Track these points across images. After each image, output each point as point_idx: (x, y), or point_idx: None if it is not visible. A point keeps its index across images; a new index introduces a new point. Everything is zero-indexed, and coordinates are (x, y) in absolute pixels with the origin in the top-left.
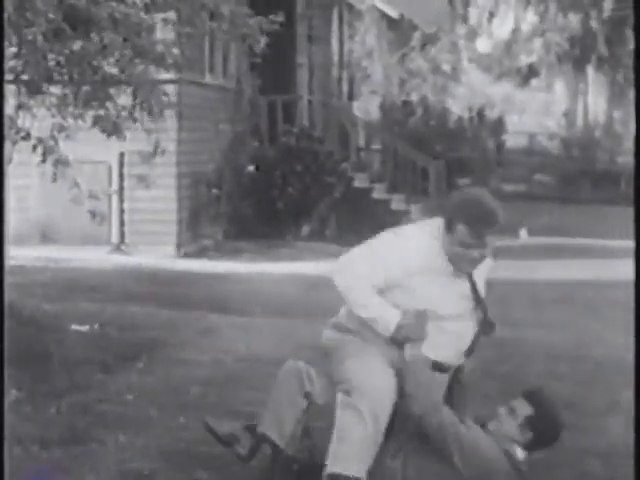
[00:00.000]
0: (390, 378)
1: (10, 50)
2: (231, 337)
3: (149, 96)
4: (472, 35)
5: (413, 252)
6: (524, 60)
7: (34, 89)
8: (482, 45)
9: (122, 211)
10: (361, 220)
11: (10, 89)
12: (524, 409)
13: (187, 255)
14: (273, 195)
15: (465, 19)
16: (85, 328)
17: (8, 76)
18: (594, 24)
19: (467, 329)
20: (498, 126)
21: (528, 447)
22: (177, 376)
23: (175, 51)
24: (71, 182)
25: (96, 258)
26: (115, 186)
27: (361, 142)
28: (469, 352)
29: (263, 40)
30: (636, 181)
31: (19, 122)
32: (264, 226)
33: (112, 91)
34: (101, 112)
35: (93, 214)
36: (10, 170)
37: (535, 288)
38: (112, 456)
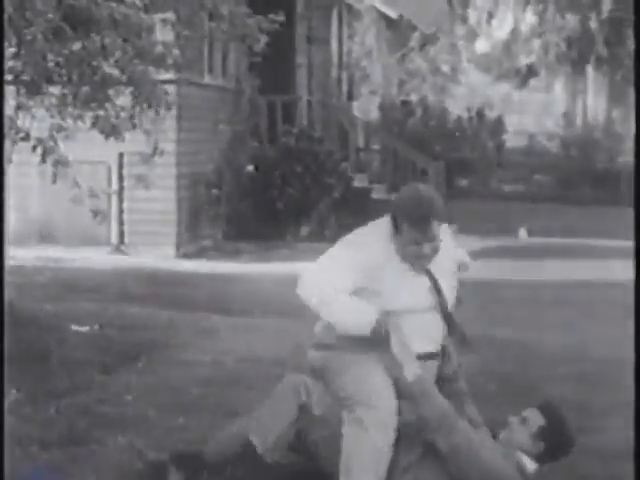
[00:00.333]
0: (390, 385)
1: (9, 50)
2: (231, 337)
3: (150, 96)
4: (471, 36)
5: (372, 254)
6: (523, 60)
7: (33, 90)
8: (481, 46)
9: (121, 211)
10: (361, 220)
11: (9, 90)
12: (537, 419)
13: (186, 255)
14: (272, 195)
15: (464, 20)
16: (85, 328)
17: (7, 77)
18: (593, 24)
19: (437, 320)
20: (497, 126)
21: (539, 459)
22: (177, 377)
23: (174, 51)
24: (71, 182)
25: (96, 258)
26: (114, 186)
27: (360, 142)
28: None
29: (263, 39)
30: (636, 181)
31: (19, 122)
32: (263, 226)
33: (111, 92)
34: (100, 113)
35: (95, 213)
36: (10, 170)
37: (535, 288)
38: (112, 457)
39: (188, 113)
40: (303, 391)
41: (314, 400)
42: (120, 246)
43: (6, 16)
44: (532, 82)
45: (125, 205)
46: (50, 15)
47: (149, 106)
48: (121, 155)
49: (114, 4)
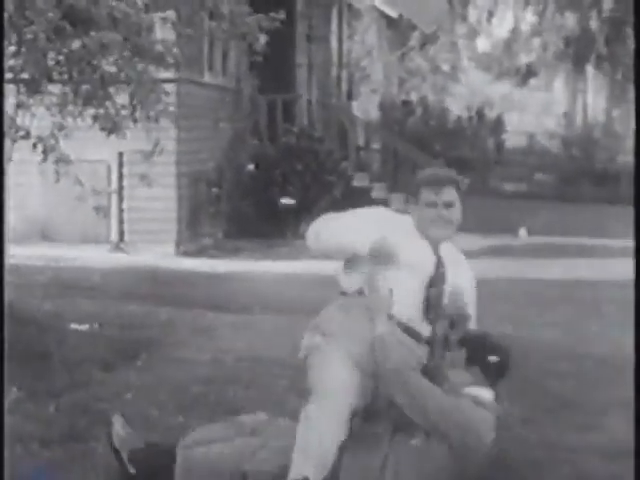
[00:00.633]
0: (351, 376)
1: (9, 49)
2: (231, 336)
3: (149, 95)
4: (471, 35)
5: (391, 217)
6: (523, 59)
7: (34, 88)
8: (481, 44)
9: (121, 210)
10: None
11: (9, 88)
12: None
13: (187, 254)
14: (273, 194)
15: (464, 18)
16: (85, 327)
17: (7, 75)
18: (593, 23)
19: (420, 285)
20: (497, 125)
21: (486, 379)
22: (177, 375)
23: (174, 50)
24: (74, 180)
25: (96, 257)
26: (114, 185)
27: (360, 141)
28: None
29: (263, 38)
30: (636, 180)
31: (18, 121)
32: (264, 225)
33: (111, 90)
34: (101, 111)
35: (97, 209)
36: (10, 169)
37: (535, 287)
38: (111, 454)
39: (188, 112)
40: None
41: None
42: (120, 244)
43: (6, 15)
44: (532, 81)
45: (125, 203)
46: (50, 14)
47: (142, 107)
48: (121, 154)
49: (114, 3)
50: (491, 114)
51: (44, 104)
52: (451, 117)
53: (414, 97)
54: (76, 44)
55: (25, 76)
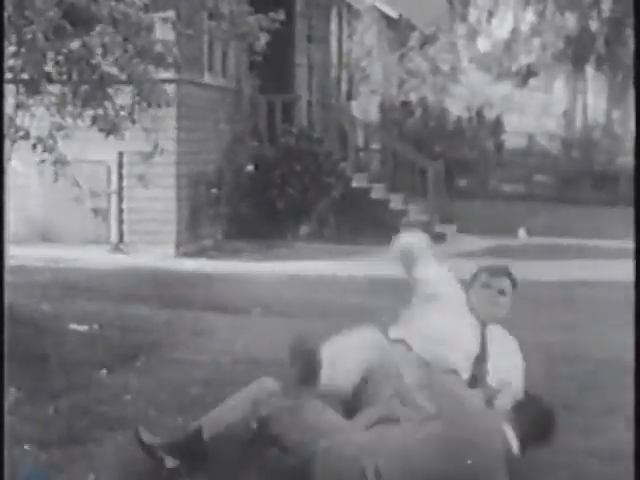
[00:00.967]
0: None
1: (9, 49)
2: (230, 337)
3: (150, 95)
4: (471, 35)
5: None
6: (523, 60)
7: (33, 88)
8: (481, 45)
9: (121, 211)
10: (360, 220)
11: (8, 88)
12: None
13: (186, 255)
14: (272, 195)
15: (464, 19)
16: (84, 328)
17: (7, 75)
18: (593, 24)
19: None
20: (497, 126)
21: (521, 436)
22: (176, 376)
23: (174, 50)
24: (72, 181)
25: (95, 258)
26: (114, 186)
27: (360, 142)
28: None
29: (263, 38)
30: (636, 181)
31: (18, 121)
32: (263, 226)
33: (111, 91)
34: (100, 111)
35: (95, 211)
36: (9, 169)
37: (534, 288)
38: (111, 456)
39: (188, 112)
40: (263, 405)
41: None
42: (119, 245)
43: (6, 15)
44: (532, 82)
45: (125, 204)
46: (50, 13)
47: (149, 105)
48: (120, 154)
49: (113, 2)
50: (491, 115)
51: (43, 104)
52: (451, 118)
53: (414, 98)
54: (75, 44)
55: (24, 76)
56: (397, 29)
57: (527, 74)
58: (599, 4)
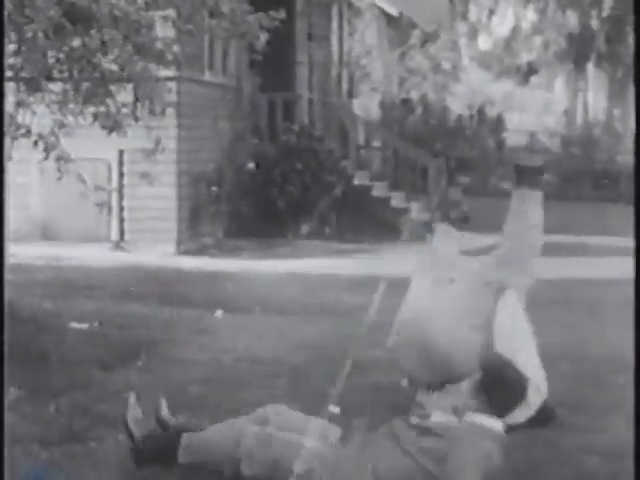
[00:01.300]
0: None
1: (9, 47)
2: (231, 336)
3: (150, 93)
4: (472, 33)
5: None
6: (524, 58)
7: (34, 86)
8: (482, 43)
9: (122, 208)
10: (361, 218)
11: (9, 86)
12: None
13: (187, 253)
14: (273, 193)
15: (465, 17)
16: (85, 326)
17: (7, 73)
18: (594, 22)
19: None
20: (498, 124)
21: (492, 410)
22: (176, 375)
23: (175, 48)
24: (76, 177)
25: (96, 255)
26: (115, 184)
27: (361, 140)
28: None
29: (263, 37)
30: (636, 179)
31: (19, 119)
32: (264, 224)
33: (112, 88)
34: (101, 109)
35: (100, 205)
36: (10, 167)
37: (534, 286)
38: (111, 455)
39: (189, 110)
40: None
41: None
42: (120, 243)
43: (6, 13)
44: (533, 80)
45: (125, 202)
46: (51, 12)
47: (151, 102)
48: (121, 152)
49: (114, 1)
50: (492, 113)
51: (44, 102)
52: (451, 116)
53: (414, 96)
54: (76, 42)
55: (25, 74)
56: (398, 27)
57: (528, 72)
58: (600, 2)
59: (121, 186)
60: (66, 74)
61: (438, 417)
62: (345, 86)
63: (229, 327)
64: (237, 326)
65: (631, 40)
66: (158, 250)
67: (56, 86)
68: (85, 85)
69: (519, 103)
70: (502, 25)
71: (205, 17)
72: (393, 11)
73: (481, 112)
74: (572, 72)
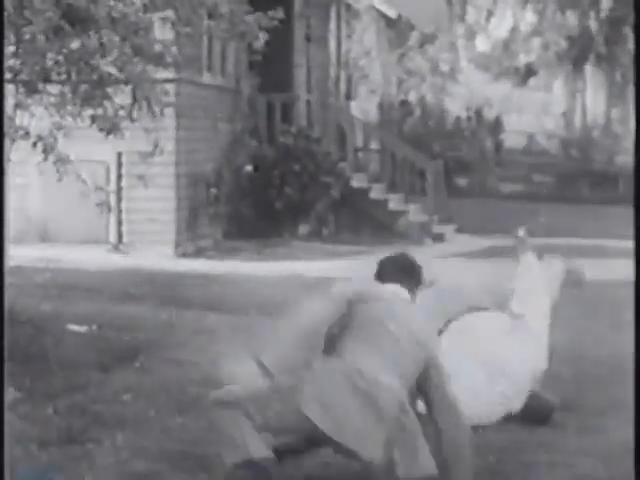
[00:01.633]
0: None
1: (8, 49)
2: (229, 337)
3: (148, 95)
4: (470, 34)
5: None
6: (523, 59)
7: (32, 88)
8: (480, 44)
9: (120, 211)
10: (359, 220)
11: (8, 88)
12: None
13: (185, 255)
14: (271, 195)
15: (463, 18)
16: (83, 328)
17: (6, 75)
18: (592, 23)
19: None
20: (496, 126)
21: None
22: (175, 376)
23: (173, 50)
24: (76, 178)
25: (94, 258)
26: (113, 186)
27: (359, 142)
28: None
29: (262, 37)
30: (636, 180)
31: (17, 120)
32: (262, 226)
33: (110, 90)
34: (99, 111)
35: (101, 205)
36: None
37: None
38: (110, 456)
39: (187, 112)
40: None
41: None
42: (119, 245)
43: (5, 15)
44: (531, 81)
45: (124, 204)
46: (49, 14)
47: (148, 104)
48: (119, 154)
49: (112, 2)
50: (490, 114)
51: (42, 104)
52: (450, 117)
53: (413, 97)
54: (74, 44)
55: (23, 76)
56: (396, 29)
57: (526, 73)
58: (599, 3)
59: (119, 188)
60: (64, 76)
61: None
62: (343, 88)
63: (227, 328)
64: (235, 327)
65: (630, 41)
66: (156, 252)
67: (54, 88)
68: (83, 87)
69: (517, 104)
70: (500, 26)
71: (204, 18)
72: (391, 13)
73: (479, 114)
74: (570, 73)
